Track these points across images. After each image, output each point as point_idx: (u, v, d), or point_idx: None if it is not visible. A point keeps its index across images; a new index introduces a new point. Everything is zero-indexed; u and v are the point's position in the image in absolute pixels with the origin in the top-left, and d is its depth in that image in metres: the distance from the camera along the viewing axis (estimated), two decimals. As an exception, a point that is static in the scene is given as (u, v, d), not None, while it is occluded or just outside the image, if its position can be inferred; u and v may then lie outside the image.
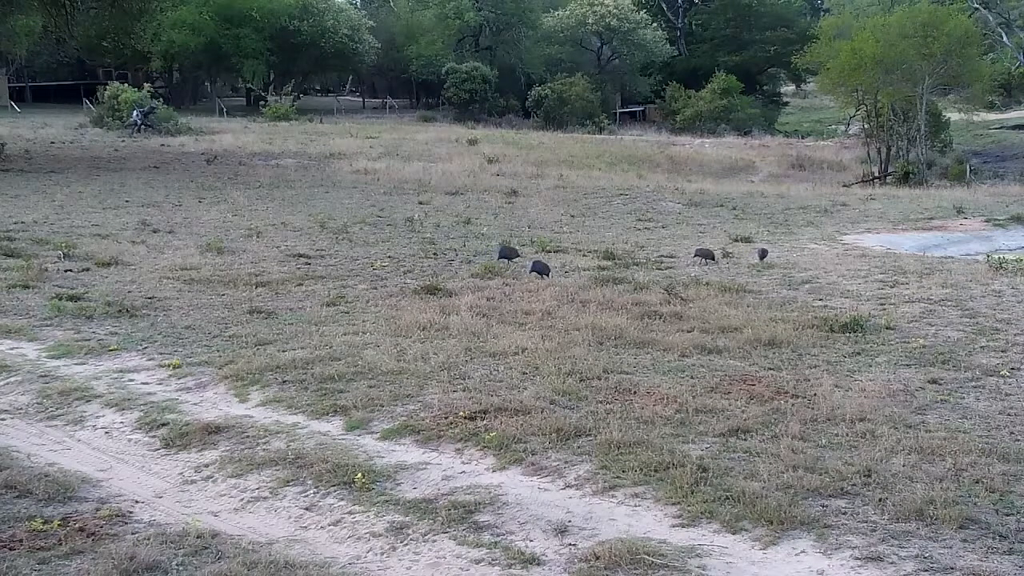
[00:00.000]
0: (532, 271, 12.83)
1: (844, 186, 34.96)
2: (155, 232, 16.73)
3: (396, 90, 74.76)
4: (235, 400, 7.84)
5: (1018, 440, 6.65)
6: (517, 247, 15.96)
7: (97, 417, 7.58)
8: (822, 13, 69.79)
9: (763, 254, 14.81)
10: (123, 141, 36.59)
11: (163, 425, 7.27)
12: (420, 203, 22.07)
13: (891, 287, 12.59)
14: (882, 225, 21.32)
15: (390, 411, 7.38)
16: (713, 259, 14.54)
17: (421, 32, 66.19)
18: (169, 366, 8.67)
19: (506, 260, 13.80)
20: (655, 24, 68.56)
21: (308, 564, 5.17)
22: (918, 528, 5.34)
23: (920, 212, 23.88)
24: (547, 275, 12.76)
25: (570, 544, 5.31)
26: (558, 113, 58.85)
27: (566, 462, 6.35)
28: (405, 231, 17.79)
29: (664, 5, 76.68)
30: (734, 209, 23.32)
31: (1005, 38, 55.40)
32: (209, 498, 6.17)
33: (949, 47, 37.88)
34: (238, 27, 58.06)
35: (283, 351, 8.98)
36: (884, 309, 11.05)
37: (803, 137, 59.24)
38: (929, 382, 8.06)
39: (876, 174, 39.90)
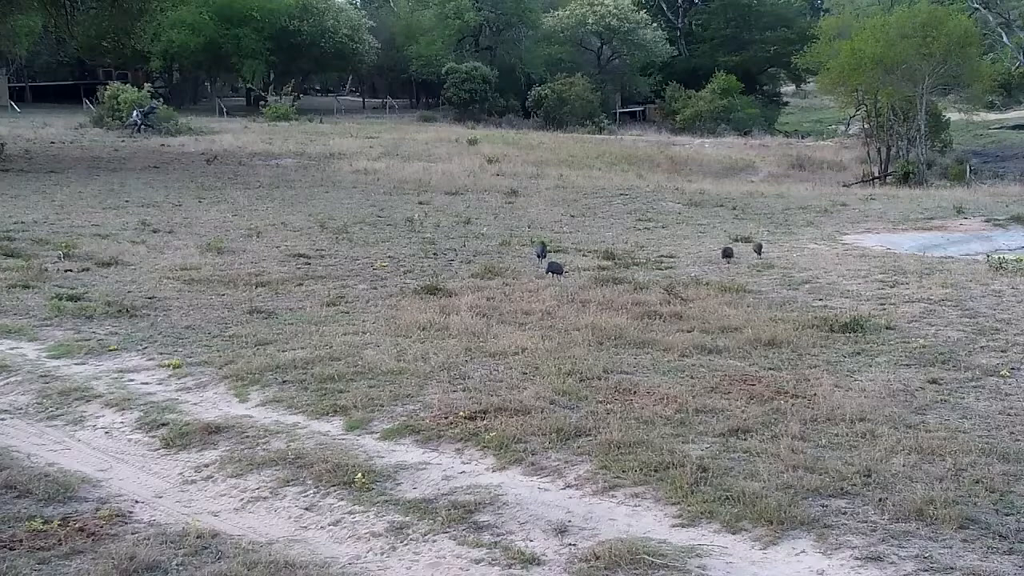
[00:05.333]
0: (548, 271, 12.86)
1: (844, 186, 34.95)
2: (155, 232, 16.73)
3: (396, 90, 74.85)
4: (235, 400, 7.84)
5: (1018, 440, 6.65)
6: (518, 246, 15.98)
7: (97, 417, 7.58)
8: (822, 13, 69.80)
9: (758, 248, 15.26)
10: (123, 141, 36.60)
11: (163, 425, 7.27)
12: (420, 203, 22.06)
13: (891, 287, 12.58)
14: (882, 225, 21.30)
15: (390, 411, 7.38)
16: (733, 255, 14.98)
17: (421, 32, 66.25)
18: (169, 366, 8.67)
19: (539, 258, 13.82)
20: (655, 24, 68.60)
21: (308, 564, 5.16)
22: (918, 528, 5.34)
23: (920, 212, 23.87)
24: (561, 274, 12.85)
25: (570, 544, 5.31)
26: (558, 113, 58.87)
27: (566, 462, 6.35)
28: (405, 231, 17.78)
29: (664, 5, 76.72)
30: (734, 209, 23.32)
31: (1005, 38, 55.45)
32: (209, 498, 6.17)
33: (949, 47, 37.86)
34: (238, 27, 58.11)
35: (283, 351, 8.98)
36: (884, 309, 11.04)
37: (803, 137, 59.27)
38: (929, 382, 8.05)
39: (876, 174, 39.89)
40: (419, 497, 5.91)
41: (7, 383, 8.37)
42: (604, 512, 5.68)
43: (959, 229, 21.44)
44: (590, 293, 11.70)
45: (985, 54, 48.14)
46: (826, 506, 5.62)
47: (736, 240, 17.26)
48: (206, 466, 6.59)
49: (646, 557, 5.05)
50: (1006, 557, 5.04)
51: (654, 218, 21.16)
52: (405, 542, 5.41)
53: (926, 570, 4.94)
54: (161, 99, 46.18)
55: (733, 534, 5.36)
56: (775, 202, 25.14)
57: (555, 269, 12.97)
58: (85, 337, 9.64)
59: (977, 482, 5.87)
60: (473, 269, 13.62)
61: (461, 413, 7.14)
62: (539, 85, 61.56)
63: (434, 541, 5.39)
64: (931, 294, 11.90)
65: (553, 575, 5.03)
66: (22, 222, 17.39)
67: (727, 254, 14.89)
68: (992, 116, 58.16)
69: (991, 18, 54.83)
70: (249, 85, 66.59)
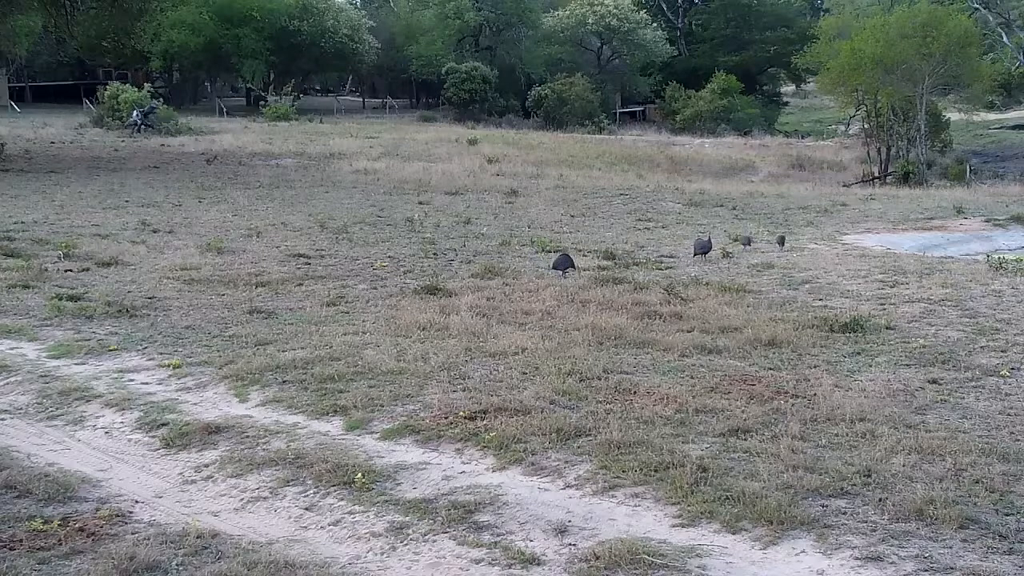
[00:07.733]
0: (563, 273, 12.81)
1: (844, 186, 34.98)
2: (155, 232, 16.73)
3: (396, 90, 74.87)
4: (235, 400, 7.84)
5: (1018, 440, 6.65)
6: (518, 246, 15.98)
7: (97, 417, 7.58)
8: (822, 13, 69.85)
9: (781, 240, 16.47)
10: (123, 141, 36.61)
11: (163, 425, 7.27)
12: (420, 203, 22.06)
13: (891, 287, 12.58)
14: (882, 225, 21.31)
15: (390, 411, 7.38)
16: (750, 243, 16.27)
17: (421, 32, 66.28)
18: (169, 366, 8.67)
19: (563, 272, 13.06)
20: (655, 24, 68.62)
21: (308, 564, 5.16)
22: (918, 528, 5.34)
23: (920, 212, 23.87)
24: (562, 270, 12.88)
25: (570, 544, 5.31)
26: (558, 113, 58.89)
27: (566, 462, 6.35)
28: (405, 231, 17.78)
29: (664, 5, 76.75)
30: (734, 209, 23.33)
31: (1005, 38, 55.46)
32: (209, 498, 6.17)
33: (949, 47, 37.90)
34: (238, 27, 58.12)
35: (283, 351, 8.98)
36: (884, 309, 11.04)
37: (803, 137, 59.31)
38: (929, 382, 8.05)
39: (876, 174, 39.92)
40: (419, 497, 5.91)
41: (7, 383, 8.37)
42: (604, 512, 5.68)
43: (959, 229, 21.44)
44: (590, 293, 11.69)
45: (985, 54, 48.18)
46: (826, 506, 5.62)
47: (736, 240, 17.27)
48: (206, 466, 6.59)
49: (646, 557, 5.05)
50: (1006, 557, 5.04)
51: (654, 218, 21.16)
52: (405, 542, 5.41)
53: (926, 570, 4.94)
54: (161, 99, 46.17)
55: (733, 534, 5.35)
56: (775, 202, 25.15)
57: (560, 266, 12.98)
58: (85, 337, 9.64)
59: (977, 482, 5.87)
60: (473, 269, 13.62)
61: (461, 413, 7.14)
62: (539, 85, 61.58)
63: (434, 541, 5.39)
64: (931, 294, 11.90)
65: (553, 575, 5.03)
66: (22, 222, 17.39)
67: (744, 242, 16.09)
68: (992, 116, 58.20)
69: (991, 18, 54.84)
70: (249, 85, 66.60)
